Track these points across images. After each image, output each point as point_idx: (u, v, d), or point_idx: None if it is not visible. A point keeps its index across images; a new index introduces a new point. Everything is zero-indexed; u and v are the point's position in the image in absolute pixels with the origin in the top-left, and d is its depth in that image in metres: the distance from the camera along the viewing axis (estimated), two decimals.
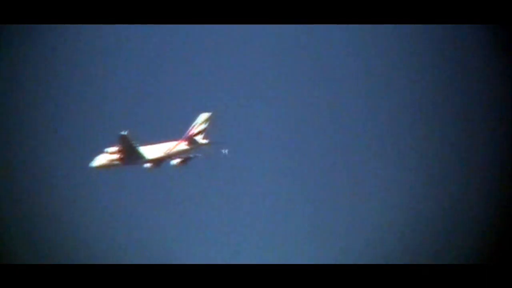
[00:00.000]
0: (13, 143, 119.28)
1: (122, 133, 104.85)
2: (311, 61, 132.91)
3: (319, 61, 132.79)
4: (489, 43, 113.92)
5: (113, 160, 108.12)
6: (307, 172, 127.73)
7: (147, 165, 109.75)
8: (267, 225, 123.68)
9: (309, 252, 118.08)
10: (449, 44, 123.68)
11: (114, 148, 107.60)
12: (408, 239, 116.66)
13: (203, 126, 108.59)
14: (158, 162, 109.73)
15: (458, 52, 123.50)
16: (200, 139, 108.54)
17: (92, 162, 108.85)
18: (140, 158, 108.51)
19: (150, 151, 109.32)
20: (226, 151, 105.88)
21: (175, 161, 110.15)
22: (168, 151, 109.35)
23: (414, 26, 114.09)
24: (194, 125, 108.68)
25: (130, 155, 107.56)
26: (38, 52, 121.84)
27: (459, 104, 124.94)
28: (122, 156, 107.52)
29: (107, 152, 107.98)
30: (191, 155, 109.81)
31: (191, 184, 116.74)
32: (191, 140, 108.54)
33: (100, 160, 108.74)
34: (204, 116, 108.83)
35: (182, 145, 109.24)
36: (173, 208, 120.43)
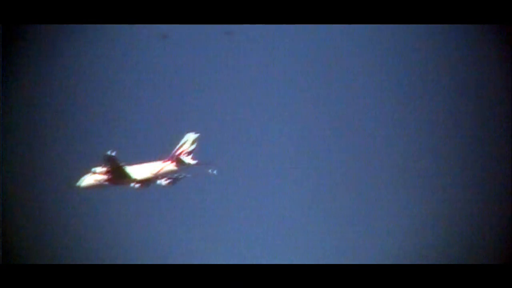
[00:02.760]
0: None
1: (109, 153, 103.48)
2: (305, 73, 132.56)
3: (313, 69, 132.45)
4: (489, 43, 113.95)
5: (100, 181, 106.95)
6: (305, 173, 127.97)
7: (135, 185, 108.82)
8: (267, 226, 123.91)
9: (309, 252, 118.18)
10: (449, 44, 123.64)
11: (101, 169, 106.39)
12: (409, 239, 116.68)
13: (191, 147, 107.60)
14: (146, 182, 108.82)
15: (458, 52, 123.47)
16: (188, 159, 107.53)
17: (79, 182, 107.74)
18: (127, 178, 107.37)
19: (138, 172, 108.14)
20: (215, 171, 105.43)
21: (163, 181, 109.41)
22: (156, 171, 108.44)
23: (414, 26, 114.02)
24: (181, 145, 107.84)
25: (118, 176, 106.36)
26: None
27: (459, 104, 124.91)
28: (109, 176, 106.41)
29: (94, 173, 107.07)
30: (179, 176, 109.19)
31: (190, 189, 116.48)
32: (179, 161, 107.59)
33: (87, 180, 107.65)
34: (191, 136, 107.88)
35: (170, 166, 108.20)
36: (173, 209, 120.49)
